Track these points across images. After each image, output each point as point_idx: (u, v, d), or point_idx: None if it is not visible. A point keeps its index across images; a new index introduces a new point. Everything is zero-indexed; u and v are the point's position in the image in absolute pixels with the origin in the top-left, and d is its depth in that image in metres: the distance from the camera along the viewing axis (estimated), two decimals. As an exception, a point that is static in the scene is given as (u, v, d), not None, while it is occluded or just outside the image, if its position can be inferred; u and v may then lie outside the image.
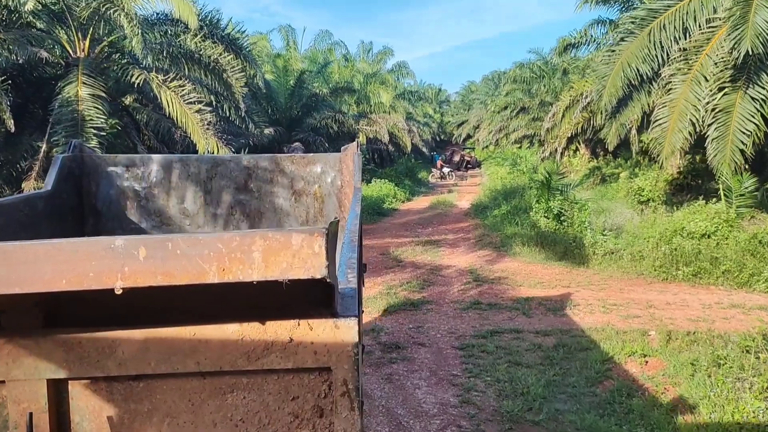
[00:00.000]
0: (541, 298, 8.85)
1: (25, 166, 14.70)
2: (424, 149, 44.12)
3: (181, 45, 18.12)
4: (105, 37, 17.27)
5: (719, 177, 13.37)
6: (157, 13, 18.91)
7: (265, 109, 25.06)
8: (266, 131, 22.60)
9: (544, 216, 13.99)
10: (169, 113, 16.87)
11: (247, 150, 21.48)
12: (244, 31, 18.75)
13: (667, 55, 13.83)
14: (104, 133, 15.57)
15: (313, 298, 1.80)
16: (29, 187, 14.68)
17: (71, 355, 1.83)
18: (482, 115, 53.35)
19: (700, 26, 13.29)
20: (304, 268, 1.54)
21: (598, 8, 22.03)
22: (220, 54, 17.84)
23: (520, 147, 37.05)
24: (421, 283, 9.80)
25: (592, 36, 23.56)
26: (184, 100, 17.02)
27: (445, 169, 35.38)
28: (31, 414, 1.83)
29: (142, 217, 4.65)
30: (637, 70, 14.12)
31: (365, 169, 26.76)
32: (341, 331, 1.82)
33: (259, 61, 29.78)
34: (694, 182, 18.17)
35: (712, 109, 12.56)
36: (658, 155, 13.37)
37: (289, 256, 1.54)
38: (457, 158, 45.39)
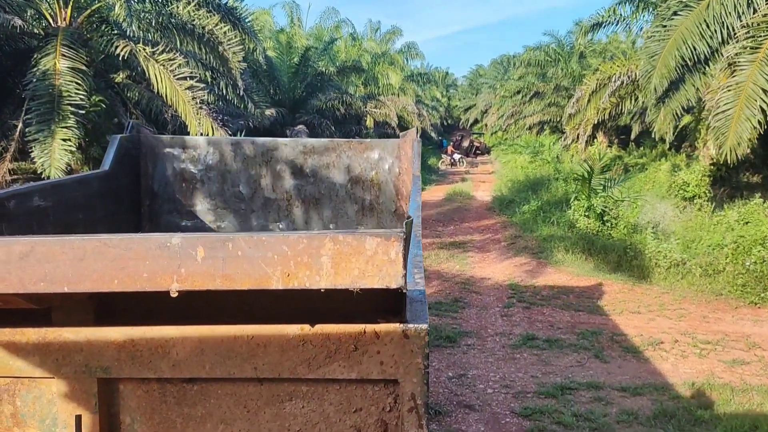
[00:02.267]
0: (611, 329, 6.86)
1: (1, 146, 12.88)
2: (433, 134, 41.93)
3: (172, 14, 15.99)
4: (89, 5, 15.22)
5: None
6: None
7: (267, 88, 22.88)
8: (267, 112, 20.45)
9: (585, 215, 11.96)
10: (158, 90, 14.83)
11: (244, 133, 19.38)
12: (243, 0, 16.49)
13: (729, 31, 11.74)
14: (83, 111, 13.62)
15: (381, 303, 1.70)
16: (2, 170, 12.81)
17: (123, 354, 1.77)
18: (491, 99, 51.01)
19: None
20: (379, 276, 1.43)
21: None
22: (216, 24, 15.67)
23: (536, 133, 34.85)
24: (453, 304, 7.80)
25: (621, 15, 21.35)
26: (174, 76, 14.90)
27: (456, 156, 33.21)
28: (80, 414, 1.79)
29: (197, 200, 4.50)
30: (694, 48, 12.02)
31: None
32: (410, 340, 1.68)
33: (260, 36, 27.56)
34: (728, 174, 16.14)
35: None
36: (720, 147, 11.30)
37: (361, 262, 1.43)
38: (466, 144, 43.15)
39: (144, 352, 1.75)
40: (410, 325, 1.69)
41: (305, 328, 1.70)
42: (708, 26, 11.77)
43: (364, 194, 4.56)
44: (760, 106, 10.75)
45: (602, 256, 9.95)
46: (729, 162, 11.11)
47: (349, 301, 1.53)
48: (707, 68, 12.45)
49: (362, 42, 34.80)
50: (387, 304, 1.69)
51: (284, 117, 21.98)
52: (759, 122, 10.77)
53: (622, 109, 21.61)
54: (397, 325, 1.69)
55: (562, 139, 25.26)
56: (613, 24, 21.67)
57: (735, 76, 11.19)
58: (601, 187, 12.26)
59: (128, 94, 18.23)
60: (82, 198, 3.62)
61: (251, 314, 1.74)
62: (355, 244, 1.42)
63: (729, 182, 16.87)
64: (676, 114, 13.18)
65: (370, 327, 1.69)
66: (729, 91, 11.22)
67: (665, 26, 12.62)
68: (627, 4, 20.93)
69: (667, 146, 19.72)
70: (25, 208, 3.08)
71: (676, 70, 12.36)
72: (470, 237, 12.10)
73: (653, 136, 24.96)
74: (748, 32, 11.15)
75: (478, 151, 42.27)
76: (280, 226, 4.55)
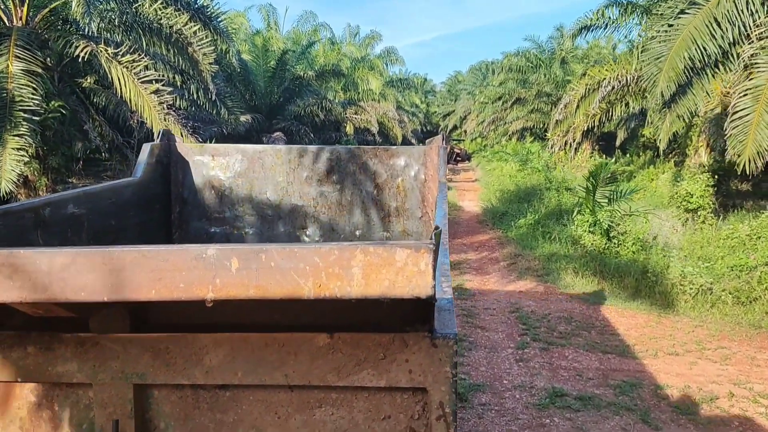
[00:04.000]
0: (651, 379, 5.62)
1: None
2: (413, 140, 40.70)
3: (137, 12, 14.51)
4: (48, 3, 13.74)
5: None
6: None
7: (242, 93, 21.42)
8: (242, 118, 18.95)
9: (589, 231, 10.77)
10: (122, 94, 13.38)
11: (214, 140, 17.93)
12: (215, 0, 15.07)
13: (741, 30, 10.68)
14: (39, 118, 12.14)
15: (409, 312, 1.69)
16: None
17: (158, 361, 1.82)
18: (470, 106, 50.12)
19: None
20: (409, 287, 1.44)
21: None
22: (185, 24, 14.22)
23: (517, 140, 33.83)
24: (458, 343, 6.53)
25: (609, 18, 20.36)
26: (138, 78, 13.47)
27: (438, 163, 31.96)
28: (117, 419, 1.84)
29: (226, 207, 4.54)
30: (704, 48, 10.94)
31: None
32: (439, 349, 1.71)
33: (236, 39, 26.05)
34: (719, 182, 15.17)
35: (817, 99, 9.47)
36: (738, 156, 10.19)
37: (392, 273, 1.45)
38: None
39: (178, 360, 1.80)
40: (438, 334, 1.70)
41: (335, 337, 1.73)
42: (719, 25, 10.69)
43: (390, 200, 4.54)
44: (783, 112, 9.70)
45: (617, 279, 8.74)
46: (748, 172, 10.00)
47: (379, 310, 1.59)
48: (717, 71, 11.39)
49: (341, 46, 33.51)
50: (415, 313, 1.68)
51: (260, 123, 20.55)
52: (781, 130, 9.71)
53: (611, 115, 20.60)
54: (426, 333, 1.71)
55: (549, 146, 24.19)
56: (601, 27, 20.67)
57: (752, 79, 10.12)
58: (606, 200, 11.08)
59: (95, 100, 16.71)
60: (114, 206, 3.65)
61: (282, 322, 1.77)
62: (386, 255, 1.44)
63: (720, 190, 15.94)
64: (685, 120, 12.08)
65: (398, 336, 1.71)
66: (745, 95, 10.15)
67: (671, 25, 11.53)
68: (615, 6, 19.96)
69: (662, 153, 18.72)
70: (60, 215, 3.10)
71: (685, 73, 11.26)
72: (465, 255, 10.82)
73: (655, 143, 24.07)
74: (765, 31, 10.08)
75: (458, 158, 41.19)
76: (307, 232, 4.54)
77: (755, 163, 9.93)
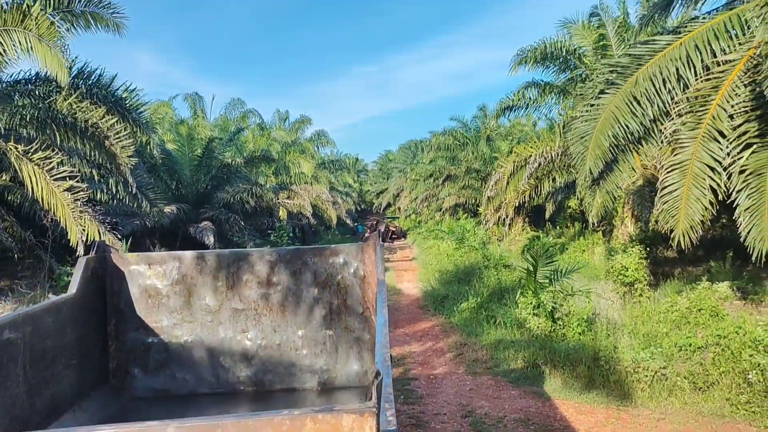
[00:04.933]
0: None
1: None
2: (348, 220, 40.35)
3: (50, 107, 13.68)
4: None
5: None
6: (24, 71, 14.50)
7: (167, 183, 20.50)
8: (167, 209, 17.97)
9: (533, 314, 10.33)
10: (33, 193, 12.34)
11: (136, 235, 16.82)
12: (133, 89, 14.44)
13: (660, 107, 10.91)
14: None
15: None
16: None
17: None
18: (402, 183, 50.62)
19: (697, 73, 10.48)
20: None
21: (534, 69, 19.67)
22: (102, 117, 13.46)
23: (450, 215, 33.96)
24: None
25: (530, 98, 21.04)
26: (51, 176, 12.50)
27: (374, 243, 31.45)
28: None
29: (163, 315, 4.42)
30: (626, 126, 11.07)
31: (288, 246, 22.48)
32: None
33: (161, 129, 25.30)
34: (650, 252, 15.30)
35: (740, 171, 9.57)
36: (670, 231, 10.12)
37: None
38: (382, 228, 41.78)
39: None
40: None
41: None
42: (639, 103, 10.89)
43: (331, 298, 4.51)
44: (709, 185, 9.75)
45: (569, 368, 8.21)
46: (684, 248, 9.91)
47: None
48: (641, 146, 11.53)
49: (271, 131, 33.29)
50: None
51: (186, 213, 19.58)
52: (710, 202, 9.73)
53: (540, 191, 20.87)
54: None
55: (483, 222, 24.21)
56: (522, 107, 21.33)
57: (677, 154, 10.21)
58: (547, 281, 10.73)
59: (9, 198, 15.49)
60: (52, 325, 3.58)
61: None
62: (333, 422, 1.54)
63: (648, 259, 16.08)
64: (614, 195, 12.09)
65: None
66: (674, 170, 10.21)
67: (593, 105, 11.70)
68: (533, 87, 20.66)
69: (591, 227, 18.92)
70: None
71: (611, 150, 11.34)
72: (408, 348, 10.10)
73: (582, 214, 24.43)
74: (686, 107, 10.29)
75: (394, 236, 40.96)
76: (249, 335, 4.42)
77: (689, 236, 9.86)
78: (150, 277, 4.46)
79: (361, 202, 59.04)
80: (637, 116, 10.92)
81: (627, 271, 13.21)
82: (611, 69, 11.74)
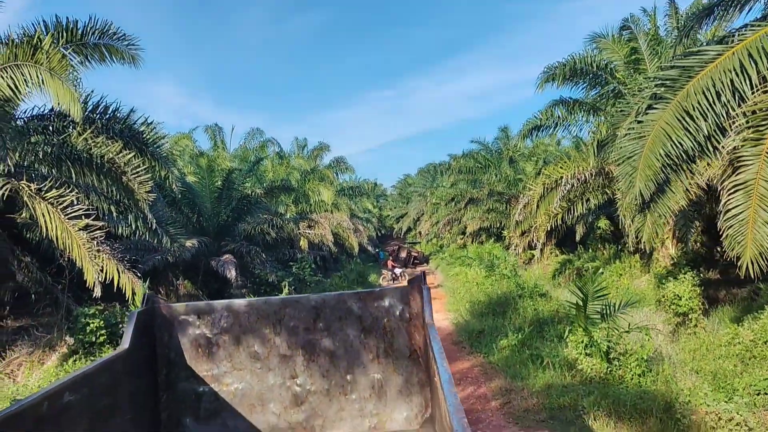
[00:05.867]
0: None
1: None
2: (370, 247, 39.44)
3: (65, 143, 13.05)
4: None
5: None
6: (38, 107, 13.93)
7: (188, 216, 19.81)
8: (188, 243, 17.20)
9: (585, 353, 9.29)
10: (47, 232, 11.66)
11: (158, 270, 16.08)
12: (151, 123, 13.80)
13: (715, 121, 9.92)
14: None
15: None
16: None
17: None
18: (422, 207, 49.72)
19: (754, 85, 9.51)
20: None
21: (563, 86, 18.78)
22: (119, 152, 12.79)
23: (473, 241, 32.94)
24: None
25: (558, 116, 20.11)
26: (65, 215, 11.82)
27: (398, 270, 30.40)
28: None
29: (213, 364, 4.45)
30: (680, 144, 10.10)
31: (311, 279, 21.60)
32: None
33: (181, 161, 24.77)
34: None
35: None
36: (737, 258, 9.07)
37: None
38: (403, 254, 40.72)
39: None
40: None
41: None
42: (693, 118, 9.92)
43: (378, 342, 4.50)
44: (778, 207, 8.72)
45: (638, 421, 7.15)
46: (752, 275, 8.84)
47: None
48: (694, 166, 10.52)
49: (290, 159, 32.71)
50: None
51: (208, 246, 18.82)
52: (782, 225, 8.69)
53: (573, 213, 19.82)
54: None
55: (513, 247, 23.15)
56: (551, 126, 20.37)
57: (740, 173, 9.21)
58: (599, 316, 9.69)
59: (28, 235, 14.89)
60: (107, 382, 3.60)
61: None
62: None
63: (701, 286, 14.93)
64: (667, 220, 11.06)
65: None
66: (737, 191, 9.20)
67: (640, 122, 10.75)
68: (561, 105, 19.75)
69: (636, 247, 17.81)
70: (57, 407, 3.05)
71: (662, 170, 10.35)
72: (449, 395, 9.08)
73: (612, 235, 23.28)
74: (745, 122, 9.31)
75: (416, 261, 39.91)
76: (298, 381, 4.44)
77: (758, 264, 8.80)
78: (199, 327, 4.48)
79: (382, 227, 58.18)
80: (690, 132, 9.95)
81: (680, 300, 12.12)
82: (658, 83, 10.79)
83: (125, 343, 4.00)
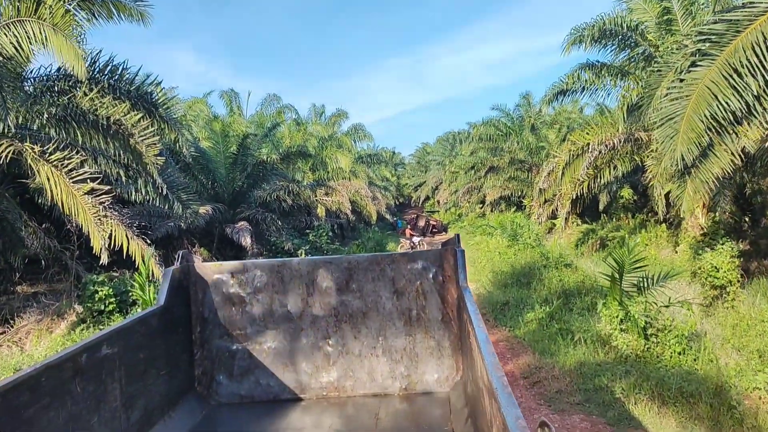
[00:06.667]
0: None
1: None
2: (388, 215, 38.76)
3: (69, 103, 12.39)
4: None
5: None
6: (44, 67, 13.27)
7: (202, 182, 19.22)
8: (202, 210, 16.61)
9: (620, 329, 8.57)
10: (52, 195, 11.11)
11: (172, 237, 15.57)
12: (160, 83, 13.08)
13: (766, 79, 8.98)
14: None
15: None
16: None
17: None
18: (441, 176, 48.80)
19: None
20: None
21: (591, 49, 17.70)
22: (126, 113, 12.13)
23: (491, 210, 32.07)
24: None
25: (585, 80, 19.02)
26: (70, 179, 11.24)
27: (416, 239, 29.68)
28: None
29: (247, 322, 4.49)
30: (726, 104, 9.18)
31: (328, 247, 21.01)
32: None
33: (195, 127, 24.11)
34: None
35: None
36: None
37: None
38: (422, 223, 39.97)
39: None
40: None
41: None
42: (741, 76, 8.98)
43: (410, 304, 4.47)
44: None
45: (685, 406, 6.46)
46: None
47: None
48: (739, 128, 9.59)
49: (307, 126, 31.88)
50: None
51: (222, 213, 18.26)
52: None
53: (600, 181, 18.88)
54: None
55: (536, 216, 22.30)
56: (577, 91, 19.30)
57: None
58: (635, 289, 8.93)
59: (39, 201, 14.42)
60: (143, 337, 3.68)
61: None
62: None
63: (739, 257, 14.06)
64: (710, 187, 10.17)
65: None
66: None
67: (682, 80, 9.81)
68: (588, 69, 18.65)
69: (664, 215, 16.89)
70: (95, 359, 3.15)
71: (707, 133, 9.45)
72: (473, 372, 8.45)
73: (635, 204, 22.34)
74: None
75: (434, 230, 39.14)
76: (330, 341, 4.45)
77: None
78: (233, 286, 4.49)
79: (400, 196, 57.36)
80: (738, 92, 9.02)
81: (718, 272, 11.30)
82: (702, 38, 9.81)
83: (161, 300, 4.05)
